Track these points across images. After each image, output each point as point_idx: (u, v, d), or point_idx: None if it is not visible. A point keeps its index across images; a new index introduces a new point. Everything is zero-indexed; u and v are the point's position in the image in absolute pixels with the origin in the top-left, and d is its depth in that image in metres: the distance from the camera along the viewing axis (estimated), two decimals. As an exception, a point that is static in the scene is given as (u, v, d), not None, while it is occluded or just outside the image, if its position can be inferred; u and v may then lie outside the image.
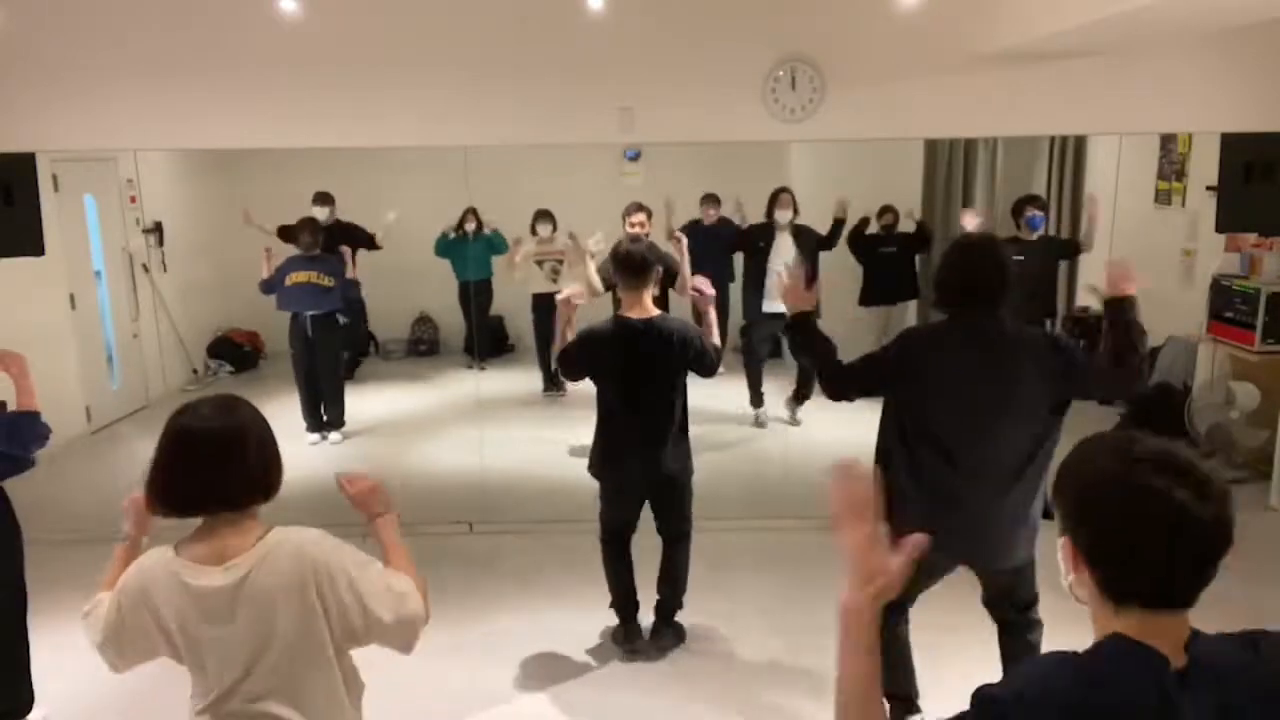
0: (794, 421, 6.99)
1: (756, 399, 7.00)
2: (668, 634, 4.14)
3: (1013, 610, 3.23)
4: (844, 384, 3.12)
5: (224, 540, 1.92)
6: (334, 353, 6.87)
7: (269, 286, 6.50)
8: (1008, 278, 2.93)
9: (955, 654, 3.61)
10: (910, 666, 3.37)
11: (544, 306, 7.28)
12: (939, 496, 2.96)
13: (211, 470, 1.91)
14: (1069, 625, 1.73)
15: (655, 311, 3.87)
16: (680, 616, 4.19)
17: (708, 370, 3.89)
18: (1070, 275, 7.53)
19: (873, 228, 7.36)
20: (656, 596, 4.14)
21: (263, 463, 1.97)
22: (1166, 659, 1.25)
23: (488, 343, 8.37)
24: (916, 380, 2.99)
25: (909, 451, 3.01)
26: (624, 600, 4.10)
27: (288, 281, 6.45)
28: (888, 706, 3.23)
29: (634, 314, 3.84)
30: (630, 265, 3.83)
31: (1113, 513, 1.26)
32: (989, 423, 2.89)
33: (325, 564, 1.92)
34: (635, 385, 3.84)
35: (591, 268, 5.51)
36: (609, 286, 5.45)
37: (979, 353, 2.91)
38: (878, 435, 3.13)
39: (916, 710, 3.36)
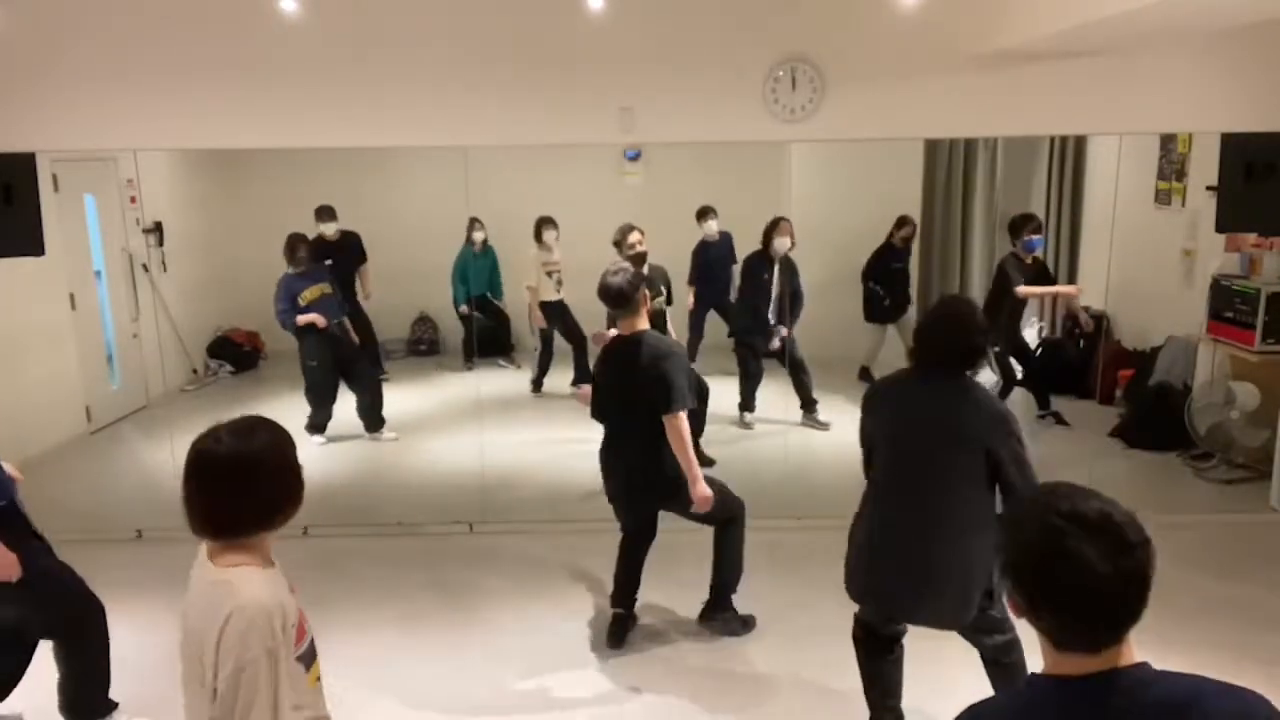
0: (822, 425, 6.77)
1: (747, 403, 6.84)
2: (715, 619, 4.15)
3: (981, 639, 3.13)
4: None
5: (222, 550, 1.95)
6: (359, 347, 6.98)
7: (288, 316, 6.46)
8: (979, 346, 3.02)
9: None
10: (897, 693, 3.28)
11: (551, 313, 7.49)
12: (871, 546, 3.04)
13: (216, 498, 1.92)
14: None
15: (644, 329, 3.89)
16: (680, 615, 4.20)
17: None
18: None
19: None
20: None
21: (274, 494, 1.95)
22: (1072, 680, 1.39)
23: (491, 345, 8.40)
24: (871, 435, 3.12)
25: (867, 502, 3.11)
26: (619, 592, 4.15)
27: (302, 302, 6.49)
28: None
29: (626, 333, 3.94)
30: (609, 297, 3.91)
31: (1034, 572, 1.39)
32: (918, 472, 2.95)
33: (227, 646, 1.84)
34: (620, 404, 3.91)
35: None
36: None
37: (923, 404, 2.97)
38: None
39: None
